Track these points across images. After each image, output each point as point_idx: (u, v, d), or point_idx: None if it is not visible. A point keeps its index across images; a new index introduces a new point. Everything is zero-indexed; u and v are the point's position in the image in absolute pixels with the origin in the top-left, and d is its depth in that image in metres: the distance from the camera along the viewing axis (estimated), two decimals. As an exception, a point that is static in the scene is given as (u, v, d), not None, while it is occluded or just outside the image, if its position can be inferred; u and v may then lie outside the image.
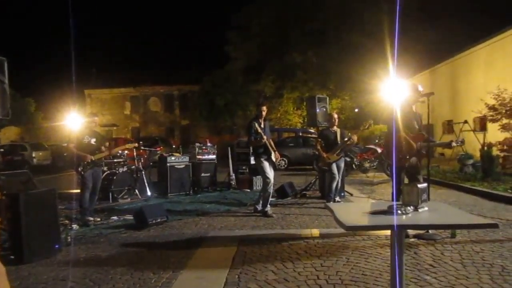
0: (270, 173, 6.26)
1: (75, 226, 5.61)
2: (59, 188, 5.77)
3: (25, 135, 31.38)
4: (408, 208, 2.67)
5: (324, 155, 6.92)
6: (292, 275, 3.57)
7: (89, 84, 37.77)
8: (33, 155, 20.19)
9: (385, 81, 11.66)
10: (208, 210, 6.93)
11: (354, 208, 3.58)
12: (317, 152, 7.27)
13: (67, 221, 5.69)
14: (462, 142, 5.04)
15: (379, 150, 12.02)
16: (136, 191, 8.23)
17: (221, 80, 29.05)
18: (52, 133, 31.44)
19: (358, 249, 4.28)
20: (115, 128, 35.28)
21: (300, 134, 19.73)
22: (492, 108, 11.00)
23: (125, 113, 38.84)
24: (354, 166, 12.37)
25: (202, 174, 9.38)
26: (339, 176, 6.97)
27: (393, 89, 6.39)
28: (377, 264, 3.79)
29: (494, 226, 2.54)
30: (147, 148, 12.09)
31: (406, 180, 4.82)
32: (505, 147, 10.13)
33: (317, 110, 8.17)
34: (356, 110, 26.60)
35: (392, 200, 4.70)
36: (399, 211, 2.61)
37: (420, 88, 4.84)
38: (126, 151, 8.39)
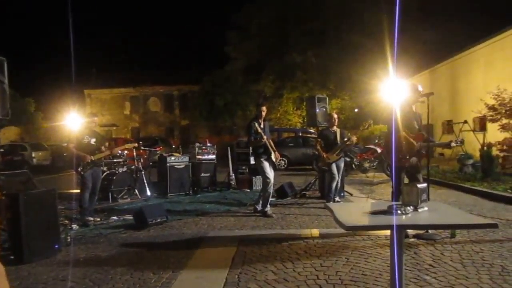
0: (270, 173, 6.26)
1: (75, 226, 5.61)
2: (59, 188, 5.77)
3: (25, 135, 31.36)
4: (408, 208, 2.67)
5: (324, 155, 6.92)
6: (291, 275, 3.57)
7: (89, 84, 37.77)
8: (33, 155, 20.18)
9: (385, 81, 11.64)
10: (208, 210, 6.93)
11: (354, 208, 3.58)
12: (316, 152, 7.27)
13: (67, 221, 5.69)
14: (462, 142, 5.05)
15: (379, 150, 12.03)
16: (136, 191, 8.23)
17: (221, 80, 29.03)
18: (52, 133, 31.44)
19: (358, 249, 4.28)
20: (114, 128, 35.29)
21: (300, 134, 19.73)
22: (491, 108, 11.01)
23: (125, 113, 38.84)
24: (353, 166, 12.37)
25: (202, 174, 9.38)
26: (338, 176, 6.97)
27: (393, 89, 6.38)
28: (377, 264, 3.79)
29: (494, 226, 2.55)
30: (147, 148, 12.10)
31: (406, 180, 4.82)
32: (504, 147, 10.14)
33: (317, 110, 8.18)
34: (356, 110, 26.60)
35: (392, 200, 4.71)
36: (398, 211, 2.61)
37: (420, 88, 4.84)
38: (125, 151, 8.39)
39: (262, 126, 6.28)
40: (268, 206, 6.32)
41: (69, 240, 4.77)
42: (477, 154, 10.46)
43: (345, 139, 6.94)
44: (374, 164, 12.28)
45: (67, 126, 11.76)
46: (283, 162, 14.98)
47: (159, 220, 5.65)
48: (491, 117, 11.12)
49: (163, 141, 23.19)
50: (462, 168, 10.32)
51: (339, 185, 7.13)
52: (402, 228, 2.63)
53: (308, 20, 24.82)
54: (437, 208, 2.95)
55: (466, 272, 3.54)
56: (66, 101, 26.24)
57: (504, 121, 10.61)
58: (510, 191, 7.45)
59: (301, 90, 25.25)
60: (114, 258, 4.22)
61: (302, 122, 25.76)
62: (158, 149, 17.32)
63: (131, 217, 5.83)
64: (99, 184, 6.18)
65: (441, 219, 2.69)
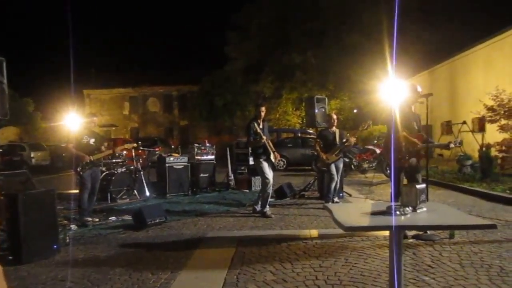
0: (269, 173, 6.26)
1: (73, 227, 5.61)
2: (57, 189, 5.75)
3: (24, 135, 31.31)
4: (407, 208, 2.67)
5: (323, 155, 6.92)
6: (290, 275, 3.57)
7: (88, 84, 37.70)
8: (32, 155, 20.17)
9: (384, 82, 11.66)
10: (207, 210, 6.93)
11: (353, 208, 3.57)
12: (316, 153, 7.27)
13: (65, 222, 5.66)
14: (460, 143, 5.07)
15: (378, 151, 12.04)
16: (135, 191, 8.23)
17: (221, 80, 29.02)
18: (51, 133, 31.41)
19: (357, 249, 4.28)
20: (114, 128, 35.21)
21: (299, 134, 19.73)
22: (490, 109, 11.02)
23: (124, 114, 38.79)
24: (353, 166, 12.38)
25: (201, 175, 9.37)
26: (337, 177, 6.98)
27: (392, 90, 6.40)
28: (375, 264, 3.79)
29: (493, 226, 2.54)
30: (146, 149, 12.08)
31: (405, 181, 4.82)
32: (503, 148, 10.15)
33: (316, 111, 8.18)
34: (355, 110, 26.63)
35: (391, 201, 4.71)
36: (397, 212, 2.61)
37: (419, 89, 4.85)
38: (124, 152, 8.39)
39: (261, 126, 6.28)
40: (267, 206, 6.32)
41: (68, 240, 4.77)
42: (476, 155, 10.46)
43: (344, 140, 6.95)
44: (373, 164, 12.28)
45: (66, 126, 11.74)
46: (282, 163, 14.99)
47: (158, 221, 5.65)
48: (490, 118, 11.13)
49: (162, 141, 23.19)
50: (461, 168, 10.33)
51: (338, 185, 7.12)
52: (401, 228, 2.63)
53: (308, 20, 24.84)
54: (436, 208, 2.95)
55: (465, 272, 3.55)
56: (65, 101, 26.18)
57: (503, 122, 10.62)
58: (508, 191, 7.45)
59: (300, 90, 25.26)
60: (113, 259, 4.21)
61: (301, 122, 25.76)
62: (157, 149, 17.30)
63: (130, 218, 5.83)
64: (98, 185, 6.18)
65: (440, 220, 2.69)
